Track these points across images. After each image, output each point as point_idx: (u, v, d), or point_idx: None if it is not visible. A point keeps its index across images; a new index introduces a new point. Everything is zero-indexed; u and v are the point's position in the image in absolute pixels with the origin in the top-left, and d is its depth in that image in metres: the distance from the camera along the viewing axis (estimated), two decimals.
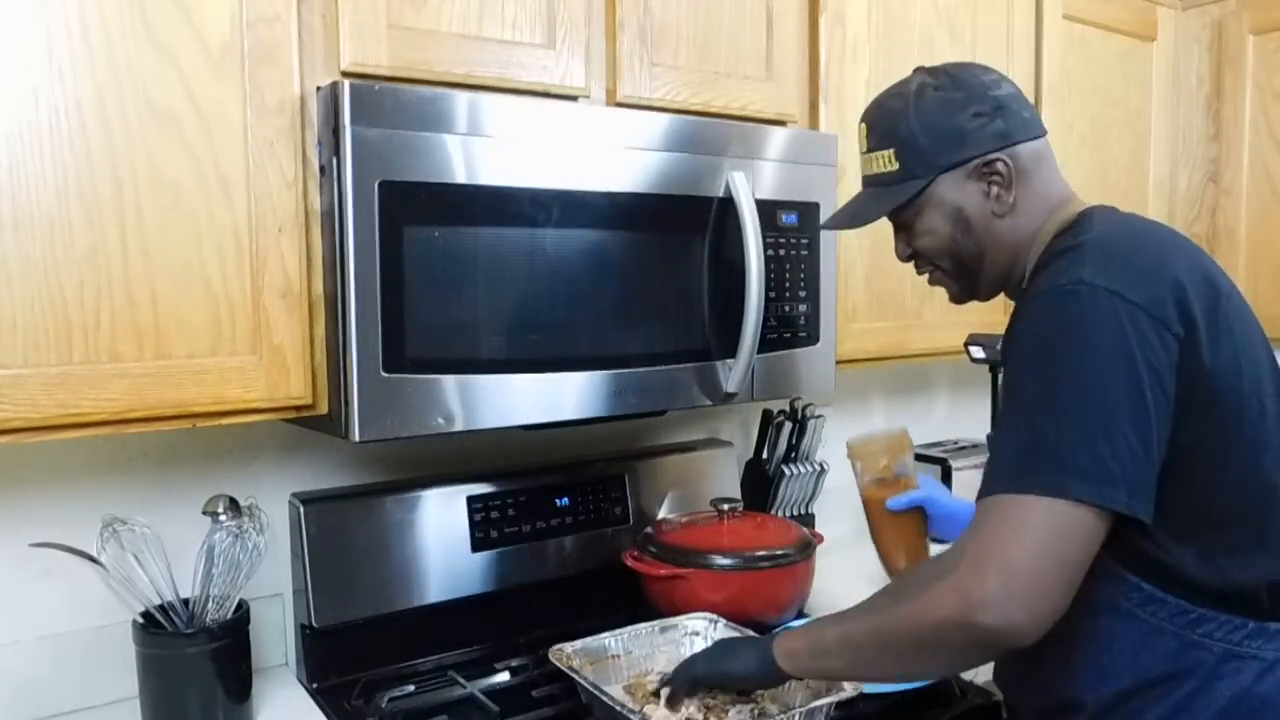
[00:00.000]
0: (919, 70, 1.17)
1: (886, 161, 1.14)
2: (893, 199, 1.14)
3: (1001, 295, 1.20)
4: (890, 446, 1.53)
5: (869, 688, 1.35)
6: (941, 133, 1.10)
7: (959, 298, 1.22)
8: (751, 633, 1.38)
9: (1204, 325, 0.97)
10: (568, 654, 1.35)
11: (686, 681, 1.24)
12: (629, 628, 1.44)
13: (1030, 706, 1.14)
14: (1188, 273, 0.99)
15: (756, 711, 1.29)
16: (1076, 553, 0.91)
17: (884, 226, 1.79)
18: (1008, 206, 1.11)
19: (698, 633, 1.47)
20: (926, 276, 1.22)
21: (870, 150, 1.17)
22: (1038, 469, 0.92)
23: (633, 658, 1.42)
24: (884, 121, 1.14)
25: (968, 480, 2.15)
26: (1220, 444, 0.99)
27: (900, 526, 1.52)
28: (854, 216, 1.20)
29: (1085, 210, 1.11)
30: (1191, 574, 0.99)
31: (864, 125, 1.18)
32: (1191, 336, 0.96)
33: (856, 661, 1.07)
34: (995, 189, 1.11)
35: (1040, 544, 0.91)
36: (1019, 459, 0.94)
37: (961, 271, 1.17)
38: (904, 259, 1.22)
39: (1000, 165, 1.10)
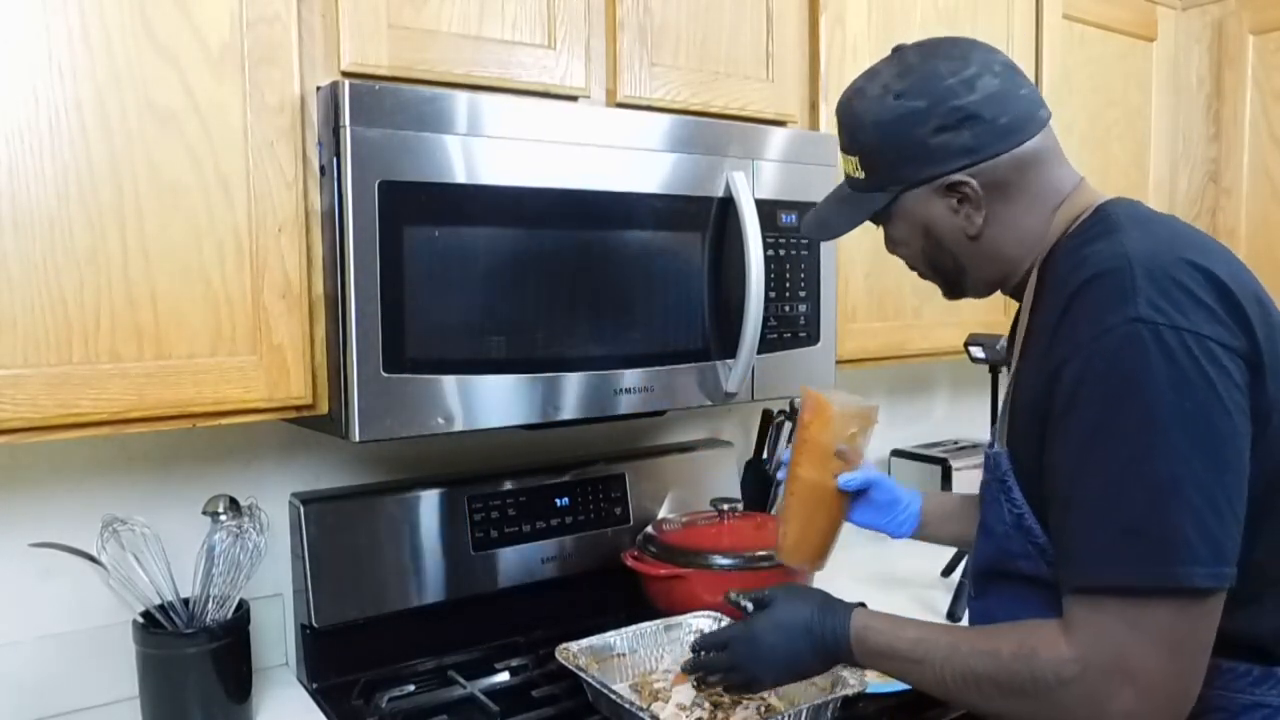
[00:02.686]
0: (892, 57, 1.05)
1: (855, 166, 1.06)
2: (860, 211, 1.07)
3: (998, 297, 1.14)
4: (861, 418, 1.29)
5: (871, 686, 1.35)
6: (902, 147, 1.00)
7: (949, 298, 1.14)
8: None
9: (1265, 345, 0.87)
10: (573, 653, 1.36)
11: (743, 685, 1.13)
12: (633, 626, 1.44)
13: None
14: (1235, 281, 0.88)
15: (763, 708, 1.29)
16: (1205, 645, 0.85)
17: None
18: (978, 227, 1.01)
19: (702, 631, 1.47)
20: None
21: (841, 149, 1.08)
22: (1149, 558, 0.82)
23: (638, 656, 1.42)
24: (849, 124, 1.05)
25: (967, 480, 2.15)
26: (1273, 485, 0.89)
27: (829, 510, 1.29)
28: (824, 225, 1.12)
29: (1102, 208, 0.99)
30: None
31: (837, 118, 1.09)
32: (1257, 359, 0.86)
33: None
34: (965, 208, 1.01)
35: (1171, 649, 0.83)
36: (1122, 545, 0.84)
37: (944, 278, 1.10)
38: (891, 253, 1.15)
39: (966, 188, 0.99)
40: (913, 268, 1.12)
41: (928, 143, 0.98)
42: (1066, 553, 0.89)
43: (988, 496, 1.06)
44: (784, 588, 1.15)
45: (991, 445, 1.07)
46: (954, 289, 1.11)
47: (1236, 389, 0.84)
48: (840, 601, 1.10)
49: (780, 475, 1.35)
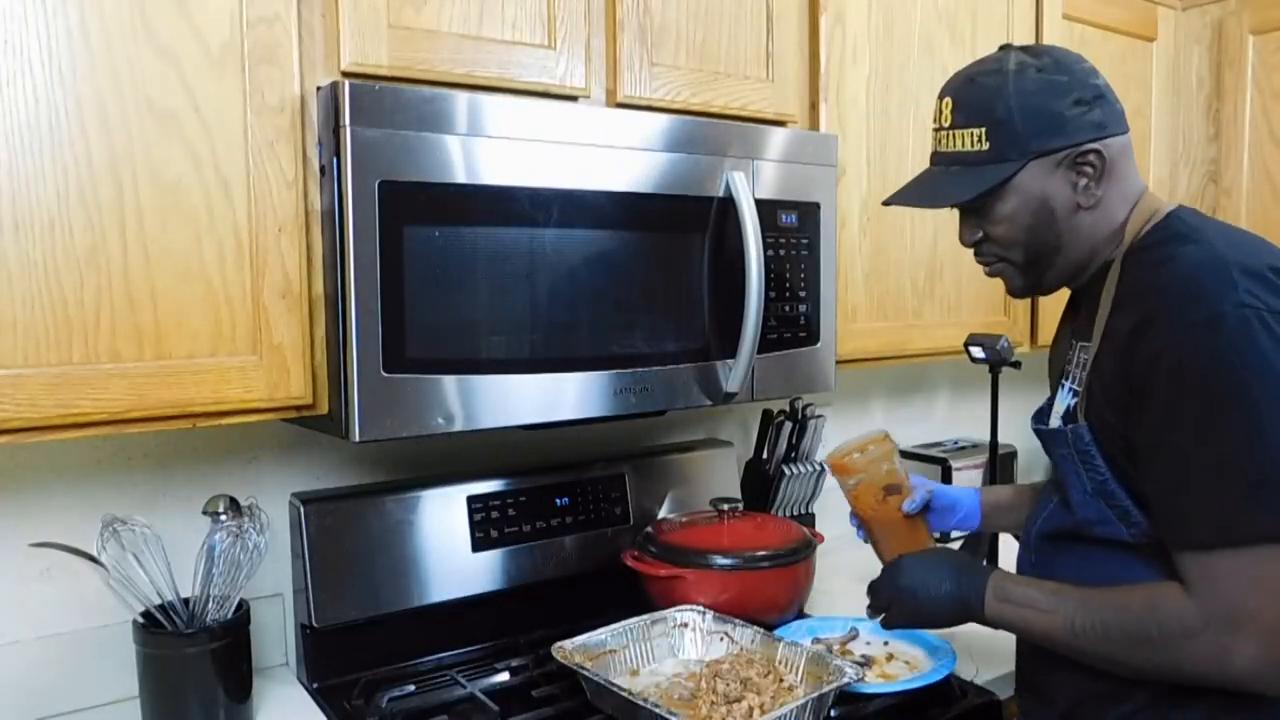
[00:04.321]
0: (1010, 48, 1.11)
1: (974, 140, 1.08)
2: (982, 181, 1.08)
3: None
4: (885, 451, 1.41)
5: (871, 687, 1.35)
6: (1040, 116, 1.05)
7: (1020, 291, 1.18)
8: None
9: None
10: (568, 650, 1.36)
11: (887, 606, 1.25)
12: (620, 623, 1.45)
13: (1067, 692, 1.13)
14: None
15: (764, 706, 1.29)
16: None
17: (887, 224, 1.79)
18: (1095, 199, 1.08)
19: (686, 624, 1.49)
20: (985, 267, 1.18)
21: (954, 127, 1.10)
22: (1266, 512, 0.91)
23: (629, 651, 1.43)
24: (977, 98, 1.08)
25: (967, 480, 2.15)
26: None
27: (913, 530, 1.41)
28: (935, 196, 1.13)
29: (1174, 214, 1.08)
30: None
31: (948, 100, 1.12)
32: None
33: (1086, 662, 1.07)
34: (1085, 181, 1.07)
35: None
36: (1241, 503, 0.92)
37: (1032, 263, 1.13)
38: (969, 244, 1.17)
39: (1094, 157, 1.06)
40: (997, 254, 1.14)
41: (1065, 113, 1.05)
42: (1186, 516, 0.96)
43: (1065, 469, 1.12)
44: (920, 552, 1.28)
45: (1065, 423, 1.12)
46: (1036, 274, 1.14)
47: None
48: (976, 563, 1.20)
49: (859, 536, 1.44)
